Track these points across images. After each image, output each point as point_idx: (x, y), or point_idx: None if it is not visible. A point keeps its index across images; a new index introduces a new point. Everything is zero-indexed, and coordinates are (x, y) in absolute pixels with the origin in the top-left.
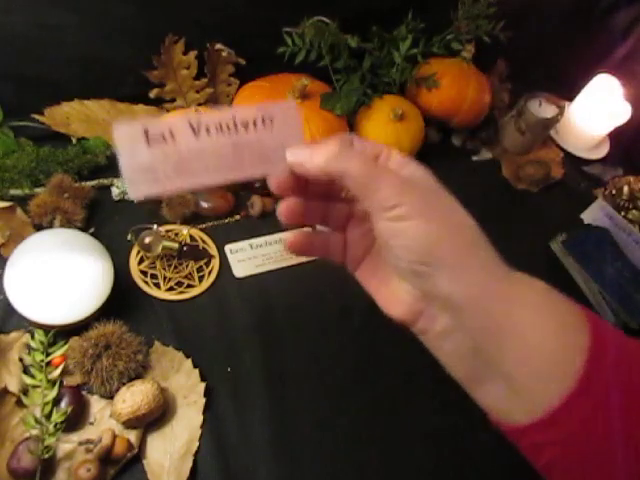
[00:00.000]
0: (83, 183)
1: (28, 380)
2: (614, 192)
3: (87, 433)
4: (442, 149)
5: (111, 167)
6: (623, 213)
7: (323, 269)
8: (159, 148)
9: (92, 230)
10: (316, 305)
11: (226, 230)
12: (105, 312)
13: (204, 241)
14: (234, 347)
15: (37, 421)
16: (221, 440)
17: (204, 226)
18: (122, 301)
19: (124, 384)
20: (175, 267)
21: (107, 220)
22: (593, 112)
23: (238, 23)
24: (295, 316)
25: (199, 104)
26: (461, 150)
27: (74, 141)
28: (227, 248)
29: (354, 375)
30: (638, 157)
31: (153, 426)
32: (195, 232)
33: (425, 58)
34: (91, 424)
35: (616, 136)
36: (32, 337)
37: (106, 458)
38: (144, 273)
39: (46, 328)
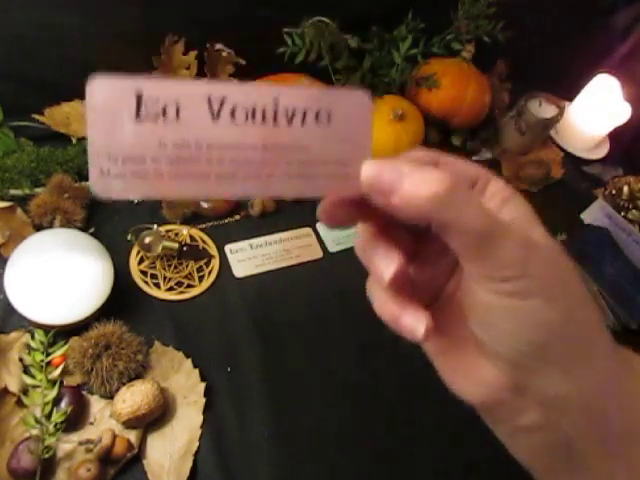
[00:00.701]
0: (83, 183)
1: (28, 380)
2: (614, 192)
3: (87, 433)
4: (442, 149)
5: None
6: (623, 213)
7: (323, 269)
8: (153, 128)
9: (92, 230)
10: (316, 305)
11: (226, 230)
12: (105, 312)
13: (204, 241)
14: (234, 347)
15: (37, 421)
16: (221, 440)
17: (204, 226)
18: (122, 301)
19: (124, 384)
20: (175, 267)
21: (107, 220)
22: (593, 112)
23: (238, 23)
24: (295, 316)
25: None
26: (461, 150)
27: (74, 141)
28: (227, 248)
29: (354, 375)
30: (638, 157)
31: (153, 426)
32: (195, 232)
33: (425, 58)
34: (91, 424)
35: (616, 136)
36: (32, 337)
37: (106, 458)
38: (144, 273)
39: (46, 328)
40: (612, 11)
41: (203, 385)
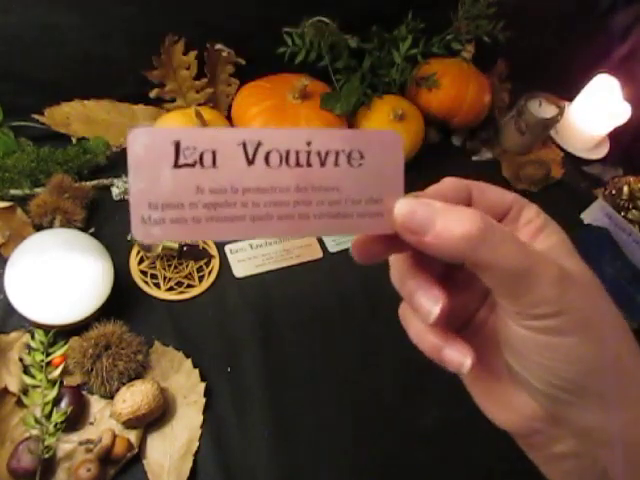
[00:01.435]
0: (83, 183)
1: (28, 380)
2: (614, 192)
3: (87, 433)
4: (442, 149)
5: (111, 167)
6: (623, 213)
7: (323, 269)
8: (191, 174)
9: (92, 230)
10: (316, 305)
11: None
12: (105, 312)
13: (204, 241)
14: (234, 347)
15: (37, 421)
16: (221, 440)
17: None
18: (122, 301)
19: (124, 384)
20: (175, 267)
21: (107, 220)
22: (593, 112)
23: (238, 23)
24: (295, 316)
25: (199, 104)
26: (461, 150)
27: (74, 141)
28: (227, 248)
29: (354, 375)
30: (638, 157)
31: (153, 426)
32: None
33: (425, 58)
34: (91, 424)
35: (616, 136)
36: (32, 337)
37: (106, 458)
38: (144, 273)
39: (46, 328)
40: (612, 11)
41: (203, 385)
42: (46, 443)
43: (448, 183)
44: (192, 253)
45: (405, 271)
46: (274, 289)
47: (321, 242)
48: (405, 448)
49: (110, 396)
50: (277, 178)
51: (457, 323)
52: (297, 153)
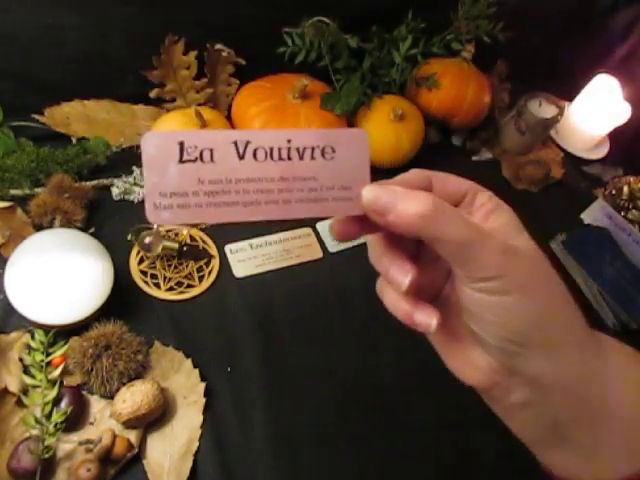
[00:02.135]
0: (83, 183)
1: (28, 380)
2: (614, 192)
3: (87, 433)
4: (442, 149)
5: (111, 167)
6: (623, 213)
7: (323, 269)
8: (194, 168)
9: (92, 230)
10: (316, 305)
11: (226, 230)
12: (105, 312)
13: (204, 241)
14: (234, 347)
15: (37, 421)
16: (221, 440)
17: (204, 226)
18: (122, 301)
19: (124, 384)
20: (175, 267)
21: (107, 220)
22: (593, 112)
23: (238, 23)
24: (295, 316)
25: (199, 104)
26: (461, 150)
27: (74, 141)
28: (227, 248)
29: (354, 375)
30: (638, 157)
31: (153, 426)
32: (195, 232)
33: (425, 58)
34: (91, 424)
35: (616, 136)
36: (32, 337)
37: (106, 458)
38: (144, 273)
39: (46, 328)
40: (612, 11)
41: (203, 385)
42: (46, 443)
43: (412, 173)
44: (192, 253)
45: (380, 250)
46: (274, 289)
47: (321, 242)
48: (405, 448)
49: (110, 396)
50: (263, 170)
51: (427, 296)
52: (279, 149)
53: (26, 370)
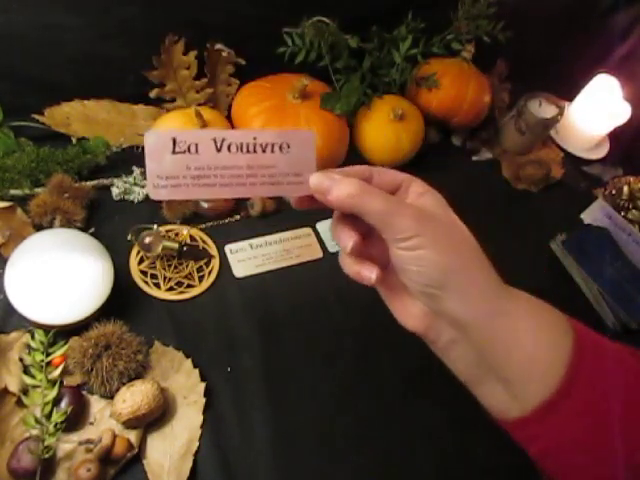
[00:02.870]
0: (83, 183)
1: (28, 380)
2: (614, 192)
3: (87, 433)
4: (442, 149)
5: (111, 167)
6: (623, 213)
7: (323, 269)
8: (183, 158)
9: (92, 230)
10: (316, 305)
11: (226, 230)
12: (105, 312)
13: (204, 241)
14: (234, 347)
15: (37, 421)
16: (221, 440)
17: (204, 226)
18: (122, 301)
19: (124, 384)
20: (175, 267)
21: (107, 220)
22: (593, 112)
23: (238, 23)
24: (295, 316)
25: (199, 104)
26: (461, 150)
27: (74, 141)
28: (227, 248)
29: (354, 375)
30: (638, 157)
31: (153, 426)
32: (195, 232)
33: (425, 58)
34: (91, 424)
35: (616, 136)
36: (32, 337)
37: (106, 458)
38: (144, 273)
39: (46, 328)
40: (612, 11)
41: (203, 385)
42: (46, 443)
43: (356, 167)
44: (192, 253)
45: (336, 223)
46: (274, 289)
47: (321, 242)
48: (405, 448)
49: (110, 396)
50: (235, 160)
51: (380, 264)
52: (247, 145)
53: (26, 370)
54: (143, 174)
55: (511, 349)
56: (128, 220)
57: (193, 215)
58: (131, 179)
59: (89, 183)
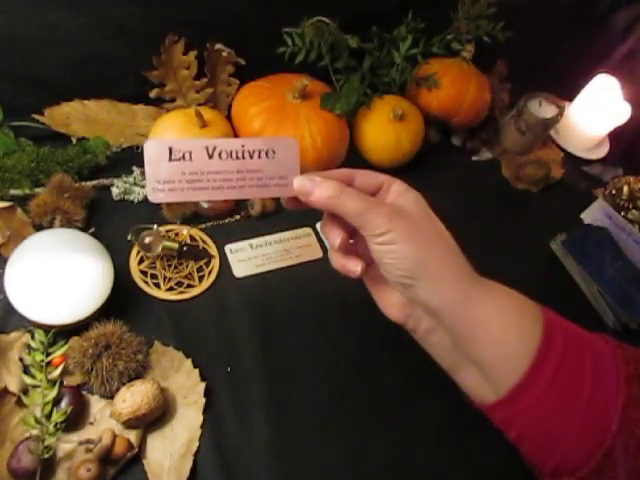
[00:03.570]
0: (83, 183)
1: (28, 380)
2: (614, 192)
3: (87, 433)
4: (442, 149)
5: (111, 167)
6: (623, 213)
7: (323, 269)
8: (178, 164)
9: (92, 230)
10: (316, 305)
11: (226, 230)
12: (105, 312)
13: (204, 241)
14: (234, 347)
15: (37, 421)
16: (221, 440)
17: (204, 226)
18: (122, 301)
19: (124, 384)
20: (175, 267)
21: (107, 220)
22: (593, 112)
23: (238, 23)
24: (295, 316)
25: (199, 104)
26: (461, 150)
27: (74, 141)
28: (227, 248)
29: (354, 375)
30: (638, 157)
31: (153, 426)
32: (195, 232)
33: (425, 58)
34: (91, 424)
35: (616, 136)
36: (32, 337)
37: (106, 458)
38: (144, 273)
39: (46, 328)
40: (612, 11)
41: (203, 385)
42: (46, 443)
43: (339, 170)
44: (192, 253)
45: (325, 222)
46: (274, 289)
47: (321, 242)
48: (405, 448)
49: (110, 396)
50: (225, 166)
51: (366, 260)
52: (236, 152)
53: (26, 370)
54: (143, 174)
55: (481, 334)
56: (128, 220)
57: (193, 215)
58: (131, 179)
59: (89, 183)
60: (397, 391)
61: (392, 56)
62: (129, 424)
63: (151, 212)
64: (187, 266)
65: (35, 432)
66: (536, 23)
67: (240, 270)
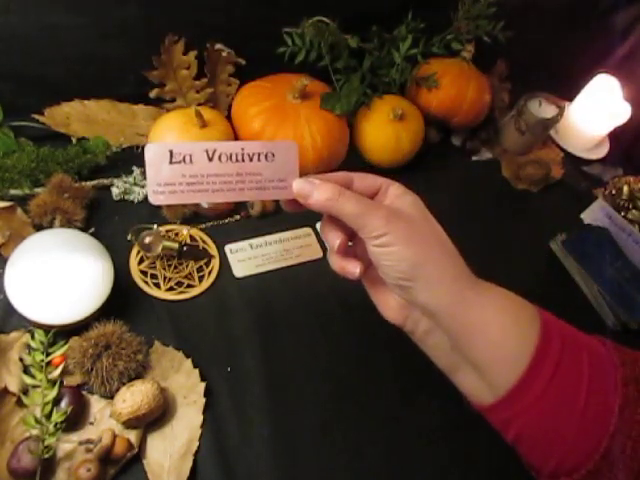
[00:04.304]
0: (83, 183)
1: (28, 380)
2: (614, 192)
3: (87, 433)
4: (442, 149)
5: (111, 167)
6: (623, 213)
7: (323, 269)
8: (179, 167)
9: (92, 230)
10: (316, 305)
11: (226, 230)
12: (105, 312)
13: (204, 241)
14: (234, 347)
15: (37, 421)
16: (221, 440)
17: (204, 226)
18: (122, 301)
19: (124, 384)
20: (175, 267)
21: (107, 220)
22: (593, 112)
23: (238, 23)
24: (295, 316)
25: (199, 104)
26: (461, 150)
27: (74, 141)
28: (227, 248)
29: (354, 375)
30: (638, 157)
31: (153, 426)
32: (195, 232)
33: (425, 58)
34: (91, 424)
35: (616, 136)
36: (32, 337)
37: (106, 458)
38: (144, 273)
39: (46, 328)
40: (612, 11)
41: (203, 385)
42: (46, 443)
43: (338, 173)
44: (192, 253)
45: (324, 225)
46: (274, 289)
47: (321, 242)
48: (405, 448)
49: (110, 396)
50: (225, 168)
51: (365, 263)
52: (236, 154)
53: (26, 370)
54: (143, 174)
55: (478, 336)
56: (128, 220)
57: (193, 215)
58: (131, 179)
59: (89, 183)
60: (397, 391)
61: (392, 56)
62: (129, 424)
63: (151, 212)
64: (187, 266)
65: (35, 432)
66: (536, 23)
67: (240, 270)
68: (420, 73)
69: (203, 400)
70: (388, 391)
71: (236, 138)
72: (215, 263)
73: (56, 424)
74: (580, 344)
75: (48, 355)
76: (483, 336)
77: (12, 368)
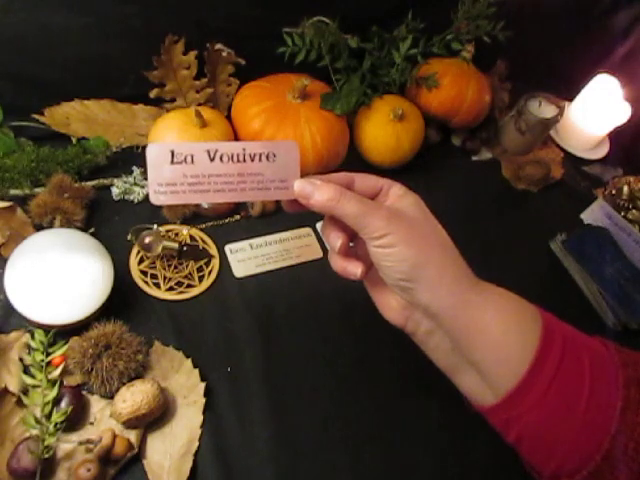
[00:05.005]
0: (83, 183)
1: (28, 380)
2: (614, 192)
3: (87, 433)
4: (442, 149)
5: (111, 167)
6: (623, 213)
7: (323, 269)
8: (180, 167)
9: (92, 230)
10: (316, 305)
11: (226, 230)
12: (105, 312)
13: (204, 241)
14: (234, 347)
15: (37, 421)
16: (221, 440)
17: (204, 226)
18: (122, 301)
19: (124, 384)
20: (175, 267)
21: (107, 220)
22: (593, 112)
23: (238, 23)
24: (295, 316)
25: (199, 104)
26: (461, 150)
27: (74, 141)
28: (227, 248)
29: (354, 375)
30: (638, 157)
31: (153, 426)
32: (195, 232)
33: (425, 58)
34: (91, 424)
35: (616, 136)
36: (32, 337)
37: (106, 458)
38: (144, 273)
39: (46, 328)
40: (612, 11)
41: (203, 385)
42: (46, 443)
43: (339, 174)
44: (192, 253)
45: (325, 225)
46: (274, 289)
47: (321, 242)
48: (405, 448)
49: (110, 396)
50: (226, 169)
51: (366, 264)
52: (237, 155)
53: (26, 370)
54: (143, 174)
55: (479, 337)
56: (128, 220)
57: (193, 215)
58: (131, 179)
59: (89, 183)
60: (397, 391)
61: (392, 56)
62: (129, 424)
63: (151, 212)
64: (187, 266)
65: (35, 432)
66: (536, 23)
67: (240, 270)
68: (420, 73)
69: (203, 400)
70: (388, 391)
71: (236, 138)
72: (215, 263)
73: (56, 424)
74: (581, 345)
75: (48, 355)
76: (484, 337)
77: (12, 368)
